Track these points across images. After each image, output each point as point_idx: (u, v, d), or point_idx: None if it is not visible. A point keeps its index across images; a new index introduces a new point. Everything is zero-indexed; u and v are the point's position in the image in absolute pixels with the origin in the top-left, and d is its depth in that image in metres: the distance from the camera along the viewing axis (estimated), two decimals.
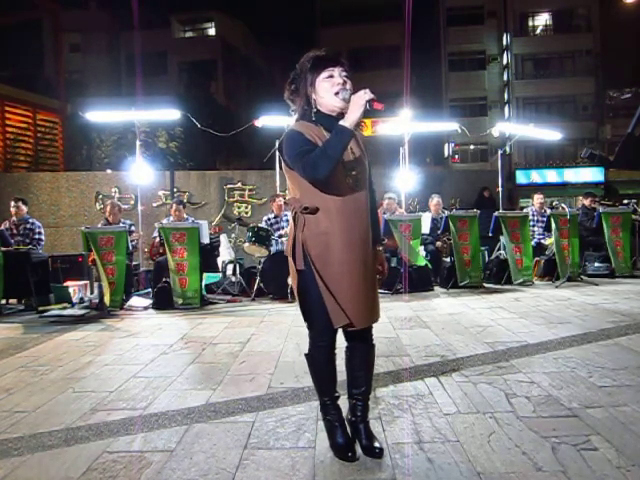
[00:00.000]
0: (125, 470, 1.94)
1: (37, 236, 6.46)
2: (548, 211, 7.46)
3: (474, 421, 2.28)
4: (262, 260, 6.37)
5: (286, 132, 1.95)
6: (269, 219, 6.90)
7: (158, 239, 6.26)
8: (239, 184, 9.63)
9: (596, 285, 6.50)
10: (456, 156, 27.00)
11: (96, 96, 20.85)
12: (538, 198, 7.96)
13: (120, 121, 11.97)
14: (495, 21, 26.70)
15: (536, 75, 26.46)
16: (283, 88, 2.04)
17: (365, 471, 1.88)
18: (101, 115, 8.37)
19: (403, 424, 2.24)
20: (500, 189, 9.04)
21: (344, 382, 2.09)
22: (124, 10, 25.28)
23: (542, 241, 7.66)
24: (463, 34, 26.37)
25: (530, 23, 27.19)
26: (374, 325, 2.05)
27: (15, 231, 6.41)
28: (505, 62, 26.44)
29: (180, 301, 5.82)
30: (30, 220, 6.55)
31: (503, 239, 7.04)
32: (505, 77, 26.54)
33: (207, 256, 6.34)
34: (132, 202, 9.18)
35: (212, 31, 29.13)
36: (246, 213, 9.51)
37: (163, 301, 5.84)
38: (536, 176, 24.03)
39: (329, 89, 1.91)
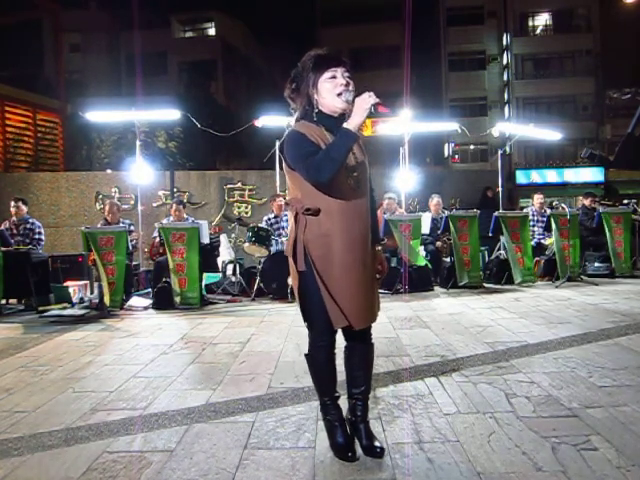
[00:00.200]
0: (125, 470, 1.94)
1: (37, 236, 6.46)
2: (548, 211, 7.46)
3: (474, 421, 2.28)
4: (262, 260, 6.37)
5: (288, 132, 1.95)
6: (269, 219, 6.90)
7: (158, 239, 6.26)
8: (239, 184, 9.63)
9: (596, 285, 6.50)
10: (456, 156, 27.01)
11: (96, 96, 20.85)
12: (538, 198, 7.96)
13: (120, 121, 11.96)
14: (495, 21, 26.70)
15: (536, 75, 26.46)
16: (283, 87, 2.03)
17: (365, 471, 1.88)
18: (101, 115, 8.37)
19: (403, 424, 2.24)
20: (500, 189, 9.04)
21: (344, 382, 2.09)
22: (124, 10, 25.30)
23: (542, 241, 7.66)
24: (463, 34, 26.37)
25: (530, 23, 27.19)
26: (374, 325, 2.05)
27: (15, 231, 6.41)
28: (505, 62, 26.44)
29: (180, 301, 5.82)
30: (30, 220, 6.55)
31: (503, 239, 7.04)
32: (505, 77, 26.54)
33: (207, 256, 6.34)
34: (132, 202, 9.18)
35: (212, 31, 29.12)
36: (246, 213, 9.51)
37: (163, 301, 5.84)
38: (536, 176, 24.03)
39: (331, 90, 1.90)
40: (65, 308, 5.73)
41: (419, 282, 6.50)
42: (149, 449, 2.12)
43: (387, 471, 1.87)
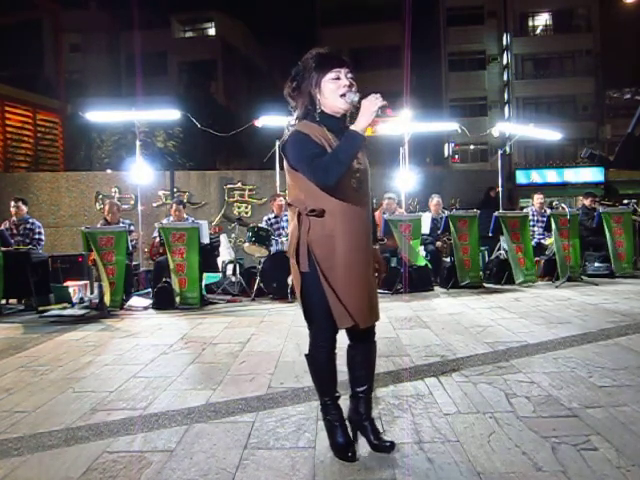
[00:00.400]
0: (125, 470, 1.94)
1: (37, 236, 6.46)
2: (548, 211, 7.46)
3: (474, 421, 2.28)
4: (262, 260, 6.37)
5: (291, 132, 1.93)
6: (269, 219, 6.90)
7: (158, 239, 6.26)
8: (239, 184, 9.63)
9: (596, 285, 6.50)
10: (456, 156, 27.01)
11: (96, 96, 20.83)
12: (538, 198, 7.96)
13: (120, 121, 11.96)
14: (495, 21, 26.70)
15: (536, 75, 26.47)
16: (283, 86, 2.03)
17: (365, 471, 1.88)
18: (101, 115, 8.37)
19: (403, 424, 2.24)
20: (500, 189, 9.04)
21: (344, 382, 2.09)
22: (124, 10, 25.30)
23: (542, 241, 7.66)
24: (463, 34, 26.37)
25: (530, 23, 27.20)
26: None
27: (15, 231, 6.41)
28: (505, 62, 26.45)
29: (180, 301, 5.82)
30: (30, 220, 6.55)
31: (503, 239, 7.03)
32: (505, 77, 26.55)
33: (207, 256, 6.34)
34: (132, 202, 9.17)
35: (212, 31, 29.13)
36: (246, 213, 9.51)
37: (163, 301, 5.84)
38: (536, 176, 24.03)
39: (335, 90, 1.90)
40: (65, 308, 5.73)
41: (419, 282, 6.50)
42: (149, 449, 2.12)
43: (387, 471, 1.87)
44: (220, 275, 7.15)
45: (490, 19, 26.75)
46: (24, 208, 6.51)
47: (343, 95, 1.90)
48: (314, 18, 29.10)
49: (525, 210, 8.20)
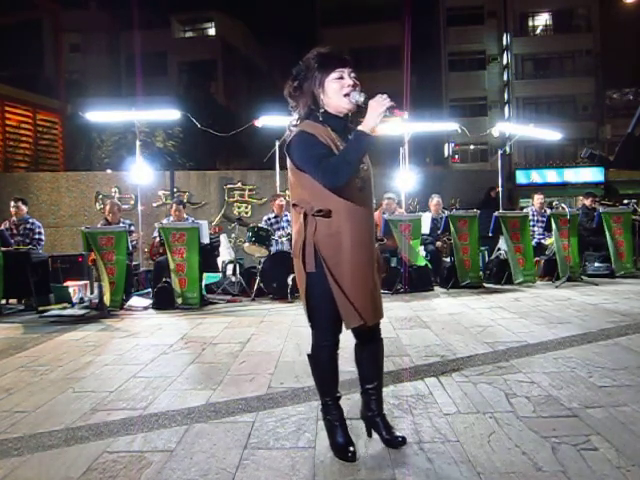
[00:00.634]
0: (125, 470, 1.94)
1: (37, 236, 6.46)
2: (548, 211, 7.46)
3: (474, 421, 2.28)
4: (262, 260, 6.37)
5: (296, 132, 1.93)
6: (269, 219, 6.90)
7: (158, 239, 6.26)
8: (239, 184, 9.63)
9: (596, 285, 6.49)
10: (456, 156, 27.01)
11: (96, 96, 20.84)
12: (538, 198, 7.96)
13: (120, 121, 11.97)
14: (495, 21, 26.71)
15: (536, 75, 26.47)
16: (284, 86, 2.02)
17: (365, 471, 1.88)
18: (101, 115, 8.37)
19: (403, 424, 2.24)
20: (500, 189, 9.04)
21: (344, 382, 2.09)
22: (124, 10, 25.29)
23: (542, 241, 7.66)
24: (463, 34, 26.38)
25: (530, 23, 27.20)
26: None
27: (15, 231, 6.41)
28: (505, 62, 26.45)
29: (180, 301, 5.82)
30: (30, 220, 6.55)
31: (503, 239, 7.03)
32: (505, 77, 26.55)
33: (207, 256, 6.34)
34: (132, 202, 9.17)
35: (212, 31, 29.13)
36: (246, 213, 9.51)
37: (163, 301, 5.84)
38: (536, 176, 24.03)
39: (339, 90, 1.91)
40: (65, 308, 5.73)
41: (419, 282, 6.50)
42: (149, 449, 2.12)
43: (387, 471, 1.87)
44: (220, 275, 7.15)
45: (490, 19, 26.75)
46: (24, 208, 6.50)
47: (347, 95, 1.90)
48: (314, 18, 29.09)
49: (525, 210, 8.19)
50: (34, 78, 15.91)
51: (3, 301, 5.95)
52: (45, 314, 5.38)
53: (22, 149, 14.59)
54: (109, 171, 12.10)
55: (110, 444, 2.17)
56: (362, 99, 1.87)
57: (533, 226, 7.65)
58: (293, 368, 3.19)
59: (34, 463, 2.03)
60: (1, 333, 4.68)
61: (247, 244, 6.43)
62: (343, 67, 1.92)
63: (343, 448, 1.97)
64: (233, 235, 7.45)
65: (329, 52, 1.97)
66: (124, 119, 9.23)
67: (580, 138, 24.67)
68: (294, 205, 1.99)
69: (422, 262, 6.64)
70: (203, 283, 6.22)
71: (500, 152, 9.46)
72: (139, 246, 7.23)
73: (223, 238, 7.51)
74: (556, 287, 6.47)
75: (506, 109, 26.21)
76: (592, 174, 23.37)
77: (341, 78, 1.91)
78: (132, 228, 6.60)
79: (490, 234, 7.13)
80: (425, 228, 7.08)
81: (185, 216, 6.68)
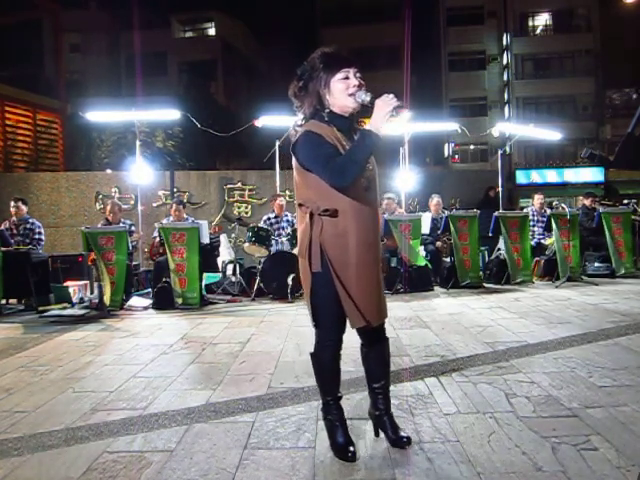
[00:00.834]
0: (125, 470, 1.94)
1: (37, 236, 6.46)
2: (548, 211, 7.46)
3: (474, 421, 2.28)
4: (262, 260, 6.37)
5: (302, 132, 1.93)
6: (269, 219, 6.90)
7: (158, 239, 6.26)
8: (239, 184, 9.63)
9: (596, 285, 6.49)
10: (456, 156, 27.01)
11: (96, 96, 20.84)
12: (538, 198, 7.96)
13: (120, 121, 11.96)
14: (495, 21, 26.70)
15: (536, 75, 26.46)
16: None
17: (365, 471, 1.88)
18: (101, 115, 8.37)
19: (403, 424, 2.24)
20: (500, 189, 9.04)
21: (344, 382, 2.09)
22: (124, 10, 25.28)
23: (542, 241, 7.66)
24: (463, 34, 26.37)
25: (530, 23, 27.20)
26: None
27: (15, 231, 6.41)
28: (505, 62, 26.44)
29: (180, 301, 5.82)
30: (30, 220, 6.55)
31: (502, 239, 7.04)
32: (505, 77, 26.54)
33: (207, 256, 6.34)
34: (132, 202, 9.17)
35: (212, 31, 29.13)
36: (246, 213, 9.51)
37: (163, 301, 5.84)
38: (536, 176, 24.03)
39: (344, 90, 1.91)
40: (65, 308, 5.73)
41: (419, 282, 6.50)
42: (149, 449, 2.12)
43: (387, 471, 1.87)
44: (220, 275, 7.15)
45: (490, 19, 26.74)
46: (24, 208, 6.50)
47: (352, 95, 1.91)
48: (314, 18, 29.08)
49: (525, 210, 8.19)
50: (34, 78, 15.90)
51: (3, 301, 5.95)
52: (45, 314, 5.38)
53: (22, 149, 14.59)
54: (109, 171, 12.10)
55: (110, 444, 2.17)
56: (368, 99, 1.88)
57: (533, 226, 7.65)
58: (293, 368, 3.19)
59: (34, 463, 2.03)
60: (1, 333, 4.68)
61: (247, 244, 6.44)
62: (348, 67, 1.93)
63: (343, 448, 1.97)
64: (233, 235, 7.45)
65: (334, 52, 1.97)
66: (124, 119, 9.23)
67: (580, 138, 24.67)
68: (299, 205, 1.99)
69: (422, 262, 6.64)
70: (203, 283, 6.22)
71: (500, 152, 9.47)
72: (139, 246, 7.23)
73: (223, 238, 7.52)
74: (556, 287, 6.47)
75: (506, 109, 26.21)
76: (592, 174, 23.37)
77: (347, 78, 1.92)
78: (133, 228, 6.60)
79: (490, 234, 7.13)
80: (425, 228, 7.08)
81: (185, 216, 6.68)
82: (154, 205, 9.33)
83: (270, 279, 6.25)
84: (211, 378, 3.05)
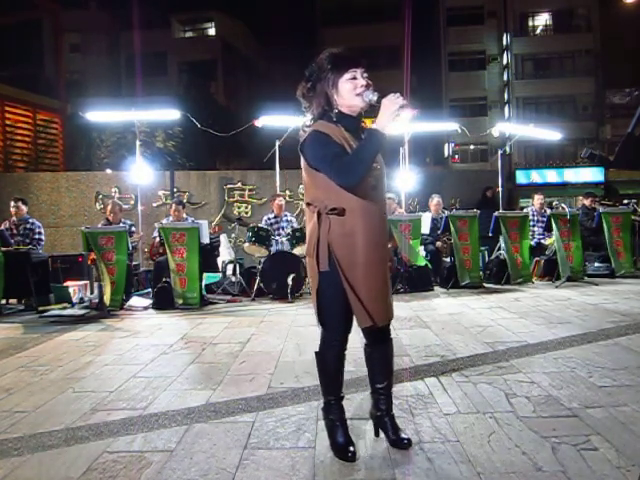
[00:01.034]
0: (125, 470, 1.94)
1: (37, 236, 6.45)
2: (548, 211, 7.46)
3: (474, 421, 2.28)
4: (262, 260, 6.37)
5: (309, 132, 1.94)
6: (269, 219, 6.91)
7: (158, 239, 6.26)
8: (239, 184, 9.63)
9: (596, 285, 6.49)
10: (456, 156, 27.01)
11: (96, 96, 20.84)
12: (538, 198, 7.96)
13: (120, 121, 11.97)
14: (495, 21, 26.70)
15: (536, 75, 26.46)
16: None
17: (365, 471, 1.88)
18: (101, 115, 8.37)
19: (403, 424, 2.24)
20: (500, 189, 9.04)
21: (346, 382, 2.09)
22: (124, 10, 25.29)
23: (542, 241, 7.66)
24: (463, 34, 26.37)
25: (530, 23, 27.20)
26: None
27: (15, 231, 6.40)
28: (505, 62, 26.44)
29: (180, 301, 5.82)
30: (30, 220, 6.55)
31: (502, 239, 7.04)
32: (505, 77, 26.54)
33: (207, 256, 6.34)
34: (132, 202, 9.17)
35: (212, 31, 29.12)
36: (246, 213, 9.51)
37: (163, 301, 5.84)
38: (536, 176, 24.03)
39: (352, 90, 1.93)
40: (65, 308, 5.73)
41: (419, 282, 6.50)
42: (149, 449, 2.12)
43: (387, 471, 1.87)
44: (220, 275, 7.15)
45: (490, 19, 26.74)
46: (24, 208, 6.50)
47: (359, 94, 1.92)
48: (314, 18, 29.08)
49: (525, 210, 8.19)
50: (34, 78, 15.89)
51: (3, 301, 5.95)
52: (45, 314, 5.38)
53: (22, 149, 14.59)
54: (109, 171, 12.10)
55: (110, 444, 2.17)
56: (375, 98, 1.89)
57: (533, 226, 7.65)
58: (293, 368, 3.19)
59: (34, 463, 2.03)
60: (1, 333, 4.68)
61: (247, 244, 6.44)
62: (356, 67, 1.94)
63: (343, 448, 1.98)
64: (233, 235, 7.45)
65: (342, 53, 1.99)
66: (124, 119, 9.23)
67: (580, 138, 24.67)
68: (307, 204, 2.01)
69: (422, 262, 6.65)
70: (203, 283, 6.22)
71: (500, 152, 9.47)
72: (139, 246, 7.23)
73: (223, 238, 7.51)
74: (556, 287, 6.47)
75: (506, 109, 26.21)
76: (592, 174, 23.37)
77: (354, 78, 1.93)
78: (133, 229, 6.60)
79: (490, 234, 7.13)
80: (425, 228, 7.09)
81: (185, 216, 6.68)
82: (154, 205, 9.33)
83: (270, 279, 6.25)
84: (211, 378, 3.05)
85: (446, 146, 26.27)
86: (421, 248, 6.96)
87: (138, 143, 8.00)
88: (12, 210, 6.47)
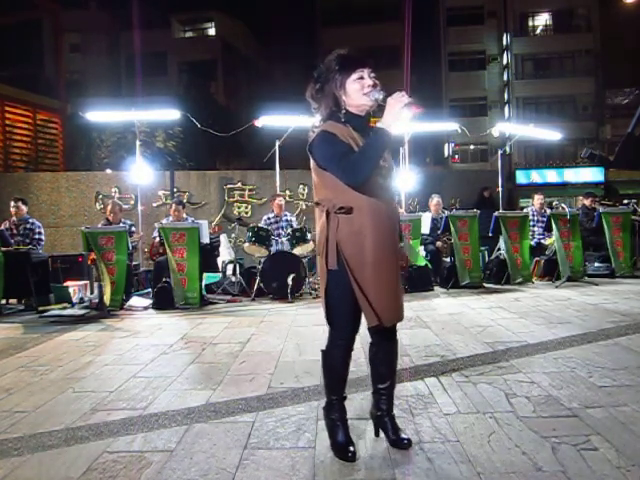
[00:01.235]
0: (125, 470, 1.94)
1: (37, 236, 6.45)
2: (548, 211, 7.46)
3: (474, 421, 2.28)
4: (262, 260, 6.37)
5: (317, 132, 1.96)
6: (269, 219, 6.91)
7: (158, 239, 6.26)
8: (239, 184, 9.63)
9: (596, 285, 6.49)
10: (456, 156, 27.01)
11: (96, 96, 20.82)
12: (538, 198, 7.96)
13: (120, 121, 11.96)
14: (495, 21, 26.71)
15: (536, 75, 26.47)
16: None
17: (365, 471, 1.88)
18: (101, 115, 8.37)
19: (403, 424, 2.24)
20: (500, 189, 9.04)
21: (347, 382, 2.09)
22: (124, 10, 25.28)
23: (542, 241, 7.66)
24: (463, 34, 26.38)
25: (530, 23, 27.20)
26: None
27: (15, 231, 6.40)
28: (505, 62, 26.45)
29: (180, 301, 5.82)
30: (30, 220, 6.55)
31: (502, 239, 7.04)
32: (505, 77, 26.55)
33: (207, 256, 6.34)
34: (132, 202, 9.17)
35: (212, 31, 29.12)
36: (246, 213, 9.51)
37: (163, 301, 5.84)
38: (536, 176, 24.04)
39: (359, 90, 1.94)
40: (65, 308, 5.73)
41: (419, 282, 6.50)
42: (149, 449, 2.12)
43: (387, 471, 1.87)
44: (220, 275, 7.15)
45: (490, 19, 26.75)
46: (24, 208, 6.50)
47: (367, 94, 1.93)
48: (314, 18, 29.07)
49: (525, 210, 8.19)
50: (34, 78, 15.88)
51: (3, 301, 5.95)
52: (45, 314, 5.38)
53: (22, 149, 14.59)
54: (109, 171, 12.09)
55: (110, 444, 2.17)
56: (381, 97, 1.91)
57: (533, 226, 7.65)
58: (293, 368, 3.19)
59: (34, 463, 2.03)
60: (1, 333, 4.68)
61: (247, 244, 6.44)
62: (363, 67, 1.96)
63: (343, 448, 1.98)
64: (233, 235, 7.45)
65: (349, 54, 2.01)
66: (124, 119, 9.23)
67: (580, 138, 24.67)
68: (317, 203, 2.02)
69: (422, 262, 6.65)
70: (203, 283, 6.22)
71: (500, 152, 9.48)
72: (139, 246, 7.23)
73: (223, 238, 7.52)
74: (556, 287, 6.47)
75: (506, 109, 26.21)
76: (592, 174, 23.38)
77: (361, 78, 1.95)
78: (133, 229, 6.60)
79: (490, 234, 7.13)
80: (425, 228, 7.09)
81: (185, 216, 6.68)
82: (154, 205, 9.33)
83: (270, 279, 6.25)
84: (211, 378, 3.05)
85: (446, 146, 26.27)
86: (421, 248, 6.96)
87: (138, 143, 8.00)
88: (12, 210, 6.46)
